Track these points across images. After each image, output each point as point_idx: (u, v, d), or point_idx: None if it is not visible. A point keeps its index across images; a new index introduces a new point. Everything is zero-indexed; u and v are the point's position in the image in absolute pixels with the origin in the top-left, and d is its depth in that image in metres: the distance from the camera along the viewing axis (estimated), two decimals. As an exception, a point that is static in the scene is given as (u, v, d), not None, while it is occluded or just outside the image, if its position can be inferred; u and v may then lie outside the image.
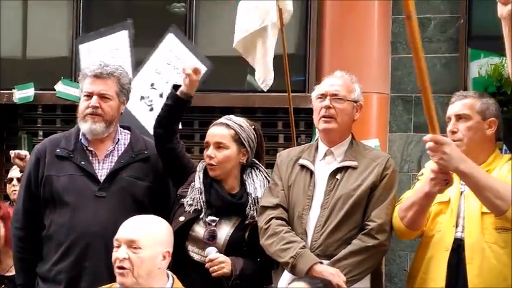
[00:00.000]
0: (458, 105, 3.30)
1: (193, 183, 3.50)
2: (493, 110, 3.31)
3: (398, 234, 3.31)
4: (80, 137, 3.61)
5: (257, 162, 3.61)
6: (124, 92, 3.62)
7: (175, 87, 3.57)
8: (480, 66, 5.43)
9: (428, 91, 2.84)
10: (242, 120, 3.58)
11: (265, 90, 4.54)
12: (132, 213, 3.44)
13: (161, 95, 4.34)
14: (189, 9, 6.34)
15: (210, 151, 3.48)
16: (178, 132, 3.63)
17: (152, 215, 3.10)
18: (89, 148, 3.59)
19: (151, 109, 4.38)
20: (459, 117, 3.28)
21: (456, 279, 3.12)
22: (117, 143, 3.63)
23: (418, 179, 3.40)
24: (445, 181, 2.96)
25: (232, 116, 3.61)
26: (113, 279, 3.37)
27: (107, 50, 4.55)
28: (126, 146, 3.63)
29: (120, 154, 3.60)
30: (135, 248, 2.85)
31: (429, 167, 3.38)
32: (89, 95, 3.56)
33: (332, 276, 3.15)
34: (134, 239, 2.86)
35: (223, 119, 3.57)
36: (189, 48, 4.41)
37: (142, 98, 4.44)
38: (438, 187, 2.99)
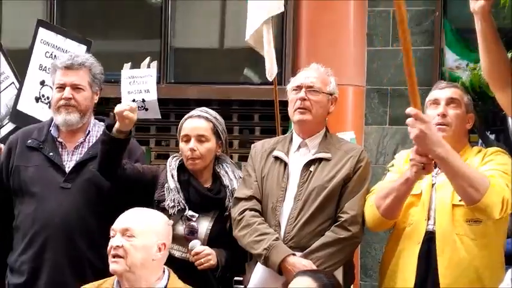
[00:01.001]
0: (449, 91, 3.32)
1: (166, 185, 3.47)
2: (472, 106, 3.36)
3: (373, 224, 3.28)
4: (51, 128, 3.60)
5: (223, 154, 3.62)
6: (96, 81, 3.61)
7: (109, 126, 3.38)
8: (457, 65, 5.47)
9: (411, 65, 2.84)
10: (215, 112, 3.59)
11: (271, 80, 4.52)
12: (97, 205, 3.48)
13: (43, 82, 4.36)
14: (165, 2, 6.30)
15: (192, 144, 3.46)
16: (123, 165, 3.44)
17: (150, 209, 3.13)
18: (59, 139, 3.58)
19: (50, 105, 4.39)
20: (451, 101, 3.29)
21: (426, 271, 3.12)
22: (87, 134, 3.61)
23: (388, 170, 3.39)
24: (422, 165, 2.94)
25: (206, 108, 3.60)
26: (74, 270, 3.37)
27: (60, 48, 4.52)
28: (97, 137, 3.60)
29: (90, 146, 3.58)
30: (129, 236, 2.88)
31: (399, 157, 3.40)
32: (62, 87, 3.55)
33: (304, 268, 3.14)
34: (128, 227, 2.89)
35: (198, 112, 3.55)
36: (64, 34, 4.40)
37: (37, 99, 4.43)
38: (415, 170, 2.96)
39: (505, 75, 3.01)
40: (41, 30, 4.43)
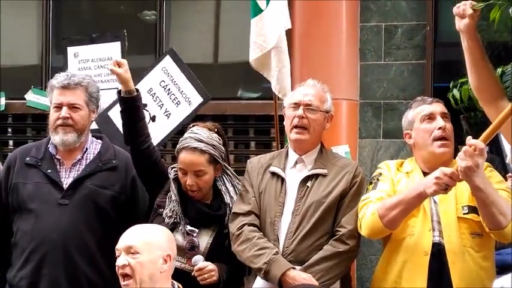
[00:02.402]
0: (439, 105, 3.37)
1: (169, 193, 3.52)
2: None
3: (370, 233, 3.26)
4: (49, 146, 3.64)
5: (226, 165, 3.61)
6: (93, 100, 3.65)
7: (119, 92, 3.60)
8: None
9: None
10: (209, 136, 3.51)
11: (283, 98, 4.50)
12: (94, 221, 3.52)
13: (153, 119, 4.33)
14: (160, 17, 6.35)
15: (189, 181, 3.47)
16: (150, 137, 3.61)
17: (151, 224, 3.17)
18: (57, 157, 3.62)
19: None
20: (443, 115, 3.34)
21: (439, 283, 3.16)
22: (85, 152, 3.65)
23: (378, 179, 3.37)
24: (446, 186, 2.99)
25: (200, 134, 3.50)
26: (72, 286, 3.40)
27: (97, 58, 4.53)
28: (95, 155, 3.66)
29: (87, 163, 3.62)
30: (133, 253, 2.89)
31: (387, 167, 3.39)
32: (59, 106, 3.59)
33: (305, 282, 3.19)
34: (131, 244, 2.90)
35: (193, 143, 3.47)
36: (186, 76, 4.40)
37: None
38: (436, 188, 2.99)
39: (492, 90, 3.09)
40: (168, 59, 4.41)
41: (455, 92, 4.97)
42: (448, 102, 4.38)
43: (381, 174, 3.39)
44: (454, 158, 3.28)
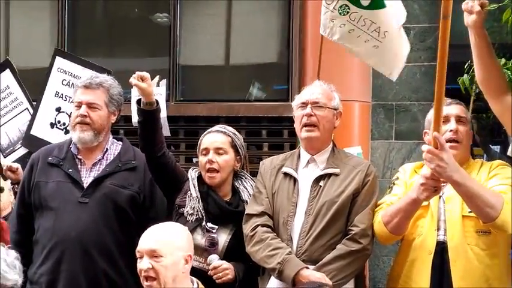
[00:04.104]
0: (457, 107, 3.41)
1: (189, 192, 3.56)
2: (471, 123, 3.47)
3: (381, 240, 3.39)
4: (71, 146, 3.71)
5: (243, 170, 3.71)
6: (113, 102, 3.71)
7: (139, 101, 3.59)
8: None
9: (442, 95, 2.89)
10: (233, 129, 3.68)
11: (394, 80, 4.42)
12: (113, 220, 3.57)
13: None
14: (173, 20, 6.39)
15: (210, 156, 3.55)
16: (165, 144, 3.66)
17: (168, 222, 3.20)
18: (78, 156, 3.69)
19: (67, 131, 4.45)
20: (459, 118, 3.38)
21: (440, 281, 3.20)
22: (105, 152, 3.71)
23: (394, 183, 3.46)
24: (434, 188, 3.02)
25: (224, 125, 3.70)
26: (90, 282, 3.44)
27: (78, 78, 4.61)
28: (115, 155, 3.72)
29: (108, 163, 3.69)
30: (157, 256, 2.92)
31: (404, 171, 3.47)
32: (79, 105, 3.67)
33: (318, 281, 3.20)
34: (154, 248, 2.93)
35: (217, 127, 3.66)
36: (81, 64, 4.49)
37: (53, 125, 4.52)
38: (426, 193, 3.04)
39: (498, 85, 3.14)
40: (58, 59, 4.53)
41: (465, 77, 4.95)
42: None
43: (398, 178, 3.46)
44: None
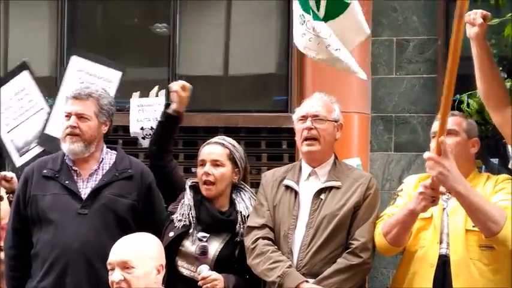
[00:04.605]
0: (448, 121, 3.40)
1: (183, 200, 3.58)
2: (476, 130, 3.43)
3: (381, 251, 3.38)
4: (65, 158, 3.69)
5: (242, 182, 3.69)
6: (104, 112, 3.69)
7: (167, 105, 3.80)
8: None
9: (449, 99, 2.84)
10: (234, 141, 3.68)
11: (365, 78, 4.32)
12: (114, 229, 3.53)
13: None
14: (173, 30, 6.40)
15: (207, 168, 3.55)
16: (172, 152, 3.78)
17: (139, 233, 3.16)
18: (74, 168, 3.67)
19: None
20: (448, 132, 3.35)
21: None
22: (101, 162, 3.70)
23: (398, 195, 3.45)
24: (432, 198, 3.00)
25: (224, 137, 3.71)
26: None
27: (96, 77, 4.63)
28: (111, 165, 3.70)
29: (104, 173, 3.67)
30: (128, 268, 2.90)
31: (408, 183, 3.46)
32: (68, 115, 3.66)
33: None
34: (126, 259, 2.91)
35: (217, 139, 3.66)
36: (96, 60, 4.50)
37: None
38: (424, 203, 3.01)
39: (500, 97, 3.14)
40: (74, 58, 4.52)
41: (471, 101, 4.95)
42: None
43: (402, 189, 3.44)
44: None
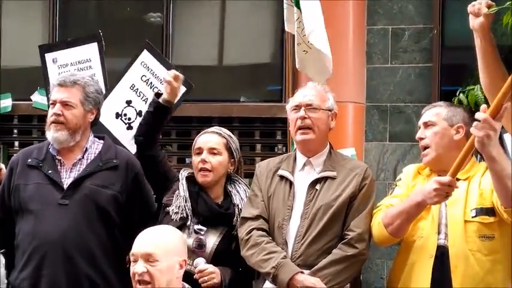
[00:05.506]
0: (426, 114, 3.41)
1: (177, 192, 3.54)
2: (461, 116, 3.37)
3: (378, 242, 3.35)
4: (50, 147, 3.63)
5: (236, 175, 3.68)
6: (90, 100, 3.63)
7: (158, 95, 3.72)
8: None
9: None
10: (229, 132, 3.68)
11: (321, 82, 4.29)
12: (95, 221, 3.50)
13: (139, 114, 4.34)
14: (166, 19, 6.36)
15: (204, 155, 3.54)
16: (159, 142, 3.73)
17: (163, 226, 3.18)
18: (58, 157, 3.61)
19: (130, 127, 4.36)
20: (426, 124, 3.37)
21: (441, 285, 3.17)
22: (85, 151, 3.63)
23: (396, 185, 3.44)
24: (447, 193, 3.00)
25: (220, 127, 3.70)
26: (72, 286, 3.39)
27: (76, 61, 4.55)
28: (96, 154, 3.64)
29: (88, 163, 3.61)
30: (152, 261, 2.88)
31: (407, 172, 3.44)
32: (53, 103, 3.61)
33: (313, 286, 3.20)
34: (150, 252, 2.89)
35: (213, 129, 3.67)
36: (166, 67, 4.39)
37: (118, 115, 4.42)
38: (437, 199, 3.03)
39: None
40: (145, 53, 4.42)
41: (462, 96, 4.94)
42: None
43: (400, 179, 3.43)
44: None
